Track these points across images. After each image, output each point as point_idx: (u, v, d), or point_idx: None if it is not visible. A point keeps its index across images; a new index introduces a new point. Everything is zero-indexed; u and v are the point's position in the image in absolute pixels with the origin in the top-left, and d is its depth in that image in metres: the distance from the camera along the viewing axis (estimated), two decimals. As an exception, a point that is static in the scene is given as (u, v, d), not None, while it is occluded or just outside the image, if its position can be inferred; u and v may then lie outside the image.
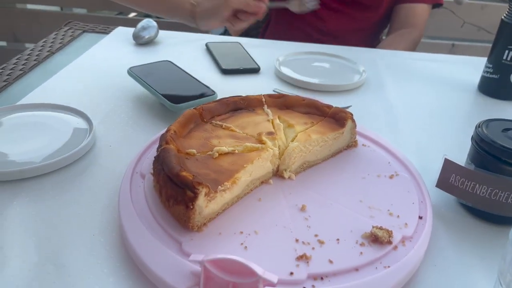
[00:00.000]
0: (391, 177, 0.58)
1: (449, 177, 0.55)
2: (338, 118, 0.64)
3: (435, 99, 0.89)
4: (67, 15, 2.03)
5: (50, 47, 1.01)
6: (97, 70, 0.89)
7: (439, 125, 0.78)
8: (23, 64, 0.92)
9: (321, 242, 0.47)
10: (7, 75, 0.86)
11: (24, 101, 0.75)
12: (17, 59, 0.95)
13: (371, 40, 1.38)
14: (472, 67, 1.03)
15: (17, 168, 0.56)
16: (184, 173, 0.46)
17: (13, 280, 0.42)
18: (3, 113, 0.69)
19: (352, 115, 0.64)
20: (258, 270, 0.39)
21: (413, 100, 0.87)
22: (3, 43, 2.08)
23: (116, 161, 0.61)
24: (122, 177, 0.55)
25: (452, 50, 2.10)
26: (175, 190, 0.46)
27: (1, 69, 0.89)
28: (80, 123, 0.68)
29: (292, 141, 0.58)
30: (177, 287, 0.40)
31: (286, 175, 0.57)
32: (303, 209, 0.51)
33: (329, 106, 0.66)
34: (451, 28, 2.02)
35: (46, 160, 0.58)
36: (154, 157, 0.52)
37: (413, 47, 1.30)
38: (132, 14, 2.36)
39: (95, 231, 0.49)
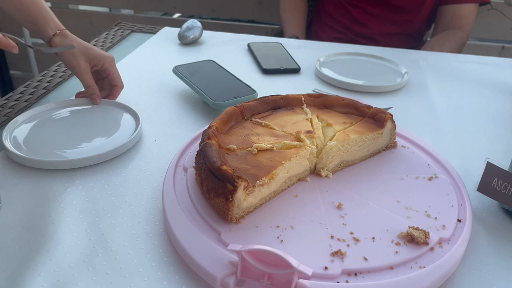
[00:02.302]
0: (430, 179, 0.58)
1: (491, 181, 0.54)
2: (377, 119, 0.64)
3: (480, 102, 0.87)
4: (115, 15, 2.12)
5: (101, 46, 1.07)
6: (144, 68, 0.94)
7: (483, 129, 0.77)
8: (76, 62, 0.97)
9: (356, 240, 0.47)
10: (62, 71, 0.92)
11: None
12: (71, 57, 1.00)
13: (413, 43, 1.36)
14: (521, 70, 0.99)
15: (70, 158, 0.60)
16: (224, 167, 0.48)
17: (66, 259, 0.46)
18: (58, 107, 0.74)
19: (392, 116, 0.64)
20: (293, 262, 0.40)
21: (457, 103, 0.86)
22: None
23: (161, 154, 0.64)
24: (165, 170, 0.58)
25: (502, 52, 2.02)
26: (216, 183, 0.48)
27: (57, 66, 0.95)
28: (128, 118, 0.72)
29: (330, 140, 0.59)
30: (215, 274, 0.42)
31: (323, 173, 0.58)
32: (339, 207, 0.52)
33: (369, 107, 0.66)
34: (501, 30, 1.94)
35: (96, 151, 0.61)
36: (197, 152, 0.55)
37: (459, 49, 1.26)
38: (176, 15, 2.43)
39: (139, 219, 0.52)
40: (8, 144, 0.62)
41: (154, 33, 1.16)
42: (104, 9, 2.35)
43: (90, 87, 0.74)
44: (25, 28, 0.80)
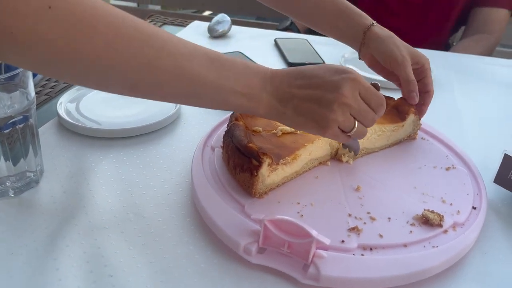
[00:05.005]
0: (447, 169, 0.60)
1: (508, 173, 0.56)
2: (401, 110, 0.66)
3: (502, 101, 0.88)
4: (144, 10, 2.19)
5: (134, 36, 1.12)
6: (175, 58, 0.98)
7: (504, 126, 0.78)
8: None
9: (372, 219, 0.50)
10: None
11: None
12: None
13: (440, 45, 1.36)
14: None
15: (108, 128, 0.65)
16: (251, 145, 0.51)
17: (102, 222, 0.50)
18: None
19: (415, 109, 0.65)
20: (313, 232, 0.43)
21: (479, 101, 0.87)
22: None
23: (191, 134, 0.68)
24: (194, 149, 0.61)
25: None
26: (242, 159, 0.52)
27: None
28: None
29: (352, 127, 0.61)
30: (238, 241, 0.45)
31: (344, 159, 0.60)
32: (357, 189, 0.55)
33: (392, 98, 0.68)
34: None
35: (132, 124, 0.66)
36: (225, 131, 0.58)
37: (489, 54, 1.26)
38: (207, 13, 2.48)
39: (169, 191, 0.56)
40: (60, 109, 0.69)
41: (184, 26, 1.21)
42: (133, 4, 2.42)
43: (412, 82, 0.63)
44: (328, 31, 0.72)
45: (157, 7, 2.44)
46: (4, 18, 0.33)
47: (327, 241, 0.43)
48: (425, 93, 0.66)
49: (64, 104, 0.71)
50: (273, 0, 0.74)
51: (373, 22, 0.67)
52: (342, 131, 0.48)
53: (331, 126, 0.47)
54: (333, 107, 0.46)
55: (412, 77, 0.63)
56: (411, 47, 0.66)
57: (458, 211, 0.51)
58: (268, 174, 0.51)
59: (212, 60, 0.44)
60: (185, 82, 0.43)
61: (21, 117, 0.51)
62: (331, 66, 0.49)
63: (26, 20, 0.34)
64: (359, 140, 0.57)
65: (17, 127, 0.51)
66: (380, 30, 0.67)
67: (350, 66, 0.96)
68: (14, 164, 0.52)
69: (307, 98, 0.46)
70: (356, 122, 0.48)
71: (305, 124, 0.48)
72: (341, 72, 0.47)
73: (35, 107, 0.53)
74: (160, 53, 0.40)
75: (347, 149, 0.59)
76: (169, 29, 1.19)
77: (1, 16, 0.33)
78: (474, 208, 0.53)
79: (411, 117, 0.65)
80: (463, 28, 1.37)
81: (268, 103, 0.47)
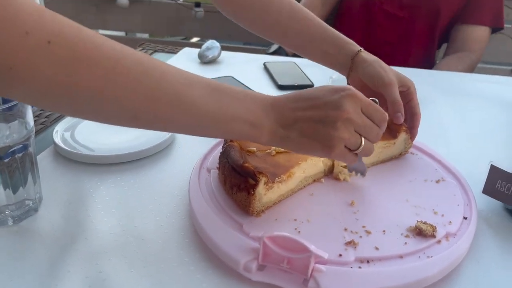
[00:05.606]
0: (437, 181, 0.62)
1: (495, 183, 0.58)
2: (392, 129, 0.67)
3: (486, 116, 0.91)
4: (133, 39, 2.23)
5: (126, 64, 1.14)
6: (167, 84, 1.00)
7: (489, 139, 0.80)
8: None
9: (368, 232, 0.51)
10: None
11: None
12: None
13: (425, 62, 1.41)
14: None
15: (104, 154, 0.66)
16: (247, 164, 0.53)
17: (103, 246, 0.51)
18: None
19: (406, 127, 0.68)
20: (311, 247, 0.44)
21: (464, 116, 0.90)
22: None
23: (186, 157, 0.69)
24: (190, 171, 0.62)
25: (511, 75, 2.08)
26: (239, 179, 0.53)
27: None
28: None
29: (343, 145, 0.63)
30: (238, 259, 0.46)
31: (341, 177, 0.62)
32: (352, 204, 0.56)
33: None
34: (509, 53, 2.00)
35: (127, 150, 0.68)
36: (220, 152, 0.60)
37: (471, 71, 1.30)
38: (195, 39, 2.54)
39: (168, 213, 0.57)
40: (56, 137, 0.70)
41: (175, 53, 1.23)
42: (121, 33, 2.47)
43: (398, 103, 0.64)
44: (317, 58, 0.75)
45: (145, 35, 2.49)
46: (3, 53, 0.33)
47: (325, 255, 0.44)
48: (413, 116, 0.68)
49: (60, 132, 0.72)
50: (262, 29, 0.76)
51: (361, 48, 0.71)
52: (349, 150, 0.49)
53: (337, 144, 0.47)
54: (337, 125, 0.46)
55: (398, 98, 0.65)
56: (397, 71, 0.69)
57: (450, 222, 0.53)
58: (265, 193, 0.53)
59: (212, 89, 0.44)
60: (187, 112, 0.43)
61: (20, 146, 0.52)
62: (329, 86, 0.50)
63: (25, 55, 0.34)
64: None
65: (16, 156, 0.52)
66: (367, 55, 0.70)
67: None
68: (14, 192, 0.53)
69: (311, 119, 0.47)
70: (363, 139, 0.49)
71: (310, 146, 0.48)
72: (339, 90, 0.48)
73: (34, 136, 0.54)
74: (159, 84, 0.41)
75: (354, 172, 0.60)
76: (160, 56, 1.22)
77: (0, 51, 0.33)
78: (465, 218, 0.54)
79: (402, 135, 0.67)
80: (445, 45, 1.42)
81: (271, 129, 0.47)
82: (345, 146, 0.48)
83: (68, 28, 0.37)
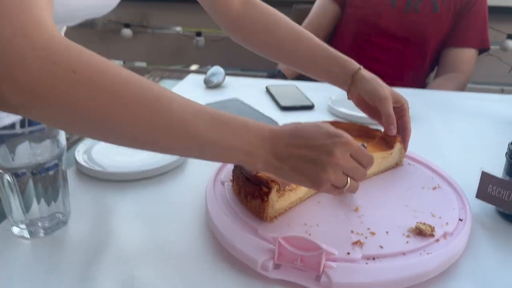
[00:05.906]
0: (434, 188, 0.67)
1: (486, 187, 0.63)
2: (388, 140, 0.73)
3: (476, 130, 0.97)
4: (130, 68, 2.31)
5: (136, 90, 1.20)
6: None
7: (480, 151, 0.86)
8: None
9: (372, 233, 0.56)
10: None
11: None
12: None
13: (418, 84, 1.48)
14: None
15: (124, 171, 0.71)
16: (260, 174, 0.58)
17: (128, 254, 0.55)
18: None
19: (400, 138, 0.74)
20: (322, 245, 0.49)
21: (456, 131, 0.96)
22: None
23: (201, 172, 0.74)
24: (205, 184, 0.67)
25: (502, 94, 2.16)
26: (253, 188, 0.58)
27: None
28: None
29: (346, 157, 0.68)
30: (256, 259, 0.51)
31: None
32: (356, 210, 0.61)
33: (379, 130, 0.76)
34: (499, 73, 2.09)
35: (146, 167, 0.73)
36: (234, 165, 0.65)
37: (460, 90, 1.38)
38: (194, 67, 2.62)
39: (187, 224, 0.61)
40: (79, 157, 0.75)
41: (181, 79, 1.30)
42: (119, 62, 2.54)
43: (391, 116, 0.71)
44: (319, 76, 0.81)
45: (143, 64, 2.58)
46: (31, 78, 0.38)
47: (335, 251, 0.49)
48: (404, 131, 0.75)
49: (81, 153, 0.78)
50: (267, 49, 0.83)
51: (360, 66, 0.78)
52: (336, 187, 0.54)
53: (324, 184, 0.52)
54: (327, 168, 0.51)
55: (392, 112, 0.72)
56: (392, 89, 0.76)
57: (447, 223, 0.58)
58: (277, 199, 0.58)
59: (214, 118, 0.48)
60: (189, 140, 0.47)
61: (54, 162, 0.57)
62: (325, 129, 0.53)
63: (51, 82, 0.38)
64: None
65: (49, 172, 0.57)
66: (366, 73, 0.77)
67: (338, 107, 1.06)
68: (47, 205, 0.58)
69: (303, 158, 0.51)
70: (349, 178, 0.54)
71: (300, 181, 0.53)
72: (333, 136, 0.52)
73: (65, 153, 0.59)
74: (169, 113, 0.46)
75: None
76: (167, 82, 1.29)
77: (28, 76, 0.38)
78: (460, 220, 0.59)
79: (397, 146, 0.73)
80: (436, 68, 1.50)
81: (265, 160, 0.51)
82: (331, 184, 0.53)
83: (93, 60, 0.42)
